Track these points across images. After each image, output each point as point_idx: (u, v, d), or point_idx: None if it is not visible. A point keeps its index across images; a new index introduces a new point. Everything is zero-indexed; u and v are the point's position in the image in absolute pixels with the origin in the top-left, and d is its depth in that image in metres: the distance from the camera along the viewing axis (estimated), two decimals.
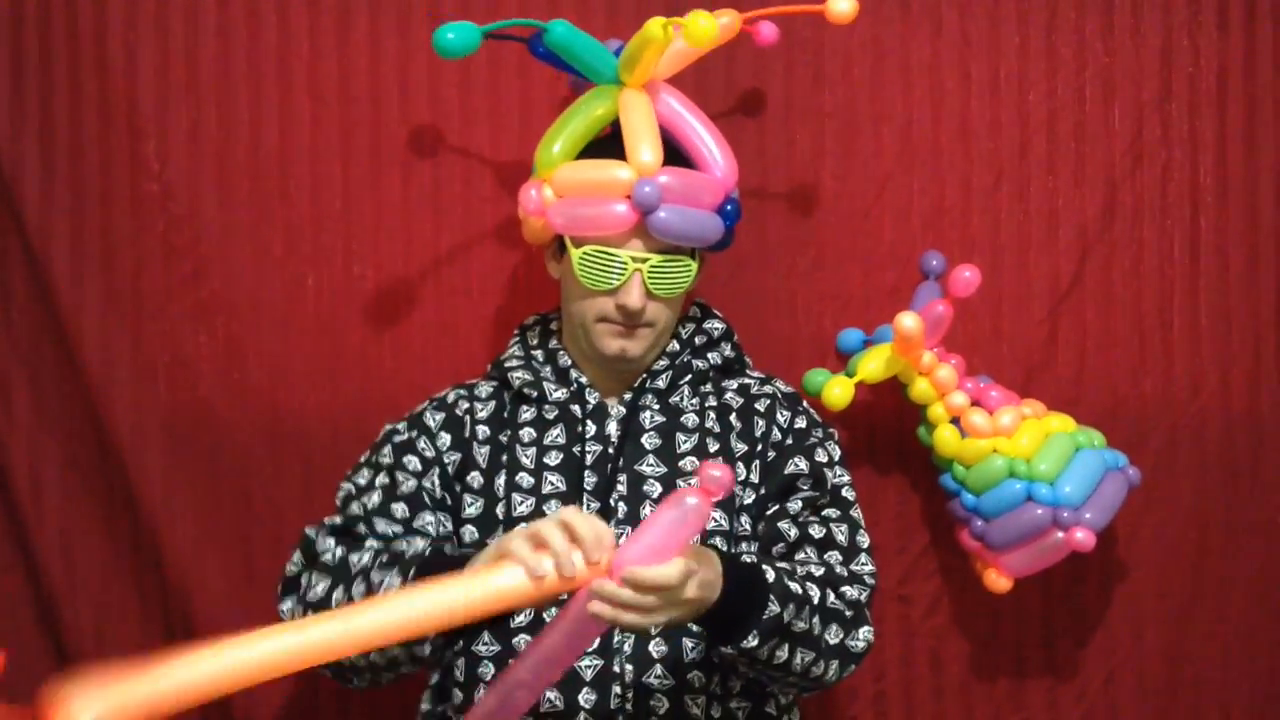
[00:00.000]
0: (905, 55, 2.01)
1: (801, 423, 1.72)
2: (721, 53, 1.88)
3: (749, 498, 1.66)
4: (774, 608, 1.44)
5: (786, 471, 1.66)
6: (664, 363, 1.71)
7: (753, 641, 1.43)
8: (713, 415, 1.70)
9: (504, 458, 1.67)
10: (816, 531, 1.63)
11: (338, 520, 1.65)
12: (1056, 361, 2.02)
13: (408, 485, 1.65)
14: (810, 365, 1.96)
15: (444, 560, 1.45)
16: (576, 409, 1.68)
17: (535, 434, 1.68)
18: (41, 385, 2.01)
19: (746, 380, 1.75)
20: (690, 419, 1.69)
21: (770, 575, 1.46)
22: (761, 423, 1.70)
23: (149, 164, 2.00)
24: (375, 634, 1.26)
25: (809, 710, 1.83)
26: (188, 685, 1.18)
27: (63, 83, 2.00)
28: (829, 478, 1.68)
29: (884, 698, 2.03)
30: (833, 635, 1.53)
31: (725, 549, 1.60)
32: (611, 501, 1.62)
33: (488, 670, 1.59)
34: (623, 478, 1.64)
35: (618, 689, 1.56)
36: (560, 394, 1.70)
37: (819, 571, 1.58)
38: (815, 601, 1.51)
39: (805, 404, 1.77)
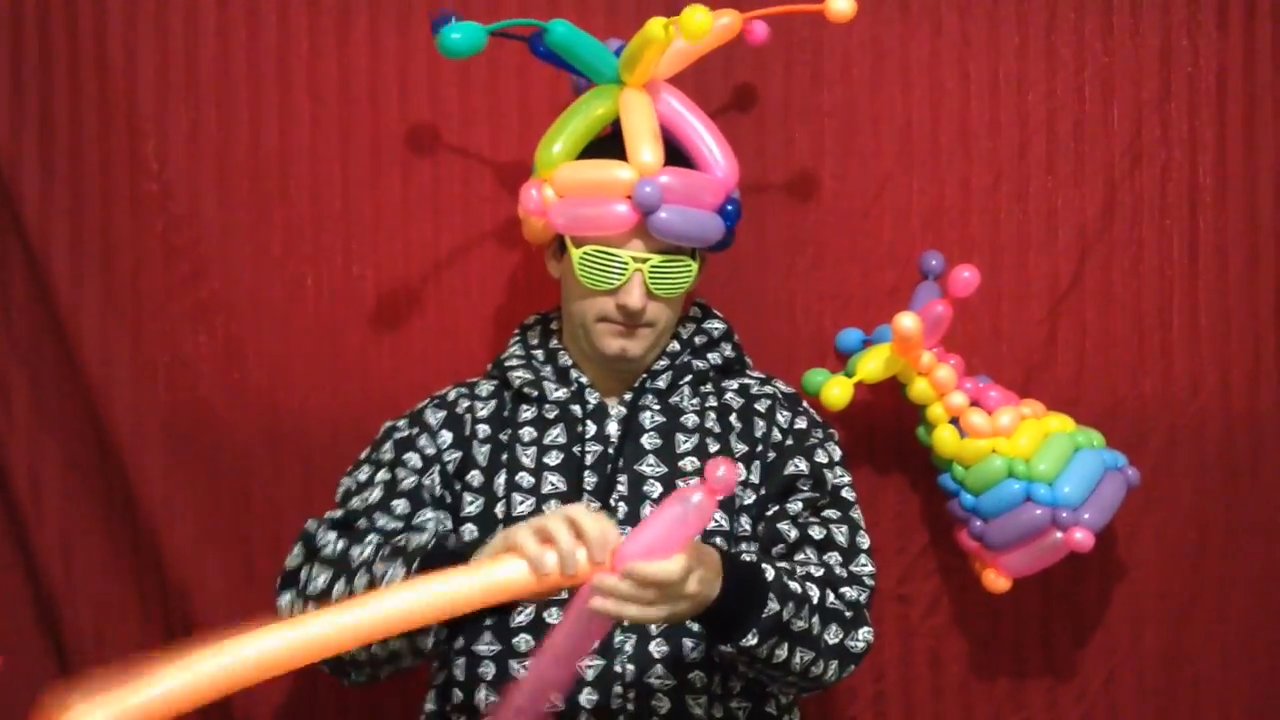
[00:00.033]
0: (905, 55, 2.01)
1: (802, 423, 1.72)
2: (721, 53, 1.88)
3: (749, 498, 1.66)
4: (773, 606, 1.44)
5: (786, 472, 1.66)
6: (664, 363, 1.71)
7: (752, 640, 1.43)
8: (713, 415, 1.70)
9: (504, 457, 1.67)
10: (816, 532, 1.63)
11: (339, 514, 1.64)
12: (1056, 361, 2.02)
13: (408, 482, 1.65)
14: (809, 365, 1.96)
15: (447, 553, 1.45)
16: (577, 409, 1.68)
17: (535, 433, 1.68)
18: (41, 385, 2.01)
19: (747, 380, 1.75)
20: (690, 419, 1.69)
21: (770, 574, 1.47)
22: (762, 423, 1.70)
23: (148, 164, 2.00)
24: (379, 626, 1.26)
25: (809, 710, 1.83)
26: (188, 689, 1.18)
27: (63, 83, 2.00)
28: (829, 478, 1.68)
29: (883, 697, 2.03)
30: (832, 635, 1.53)
31: (725, 548, 1.60)
32: (611, 502, 1.62)
33: (489, 670, 1.59)
34: (623, 478, 1.64)
35: (619, 689, 1.56)
36: (560, 394, 1.70)
37: (818, 572, 1.58)
38: (815, 601, 1.51)
39: (805, 404, 1.77)
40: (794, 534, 1.62)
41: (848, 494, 1.69)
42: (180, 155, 2.00)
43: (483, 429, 1.69)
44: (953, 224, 2.02)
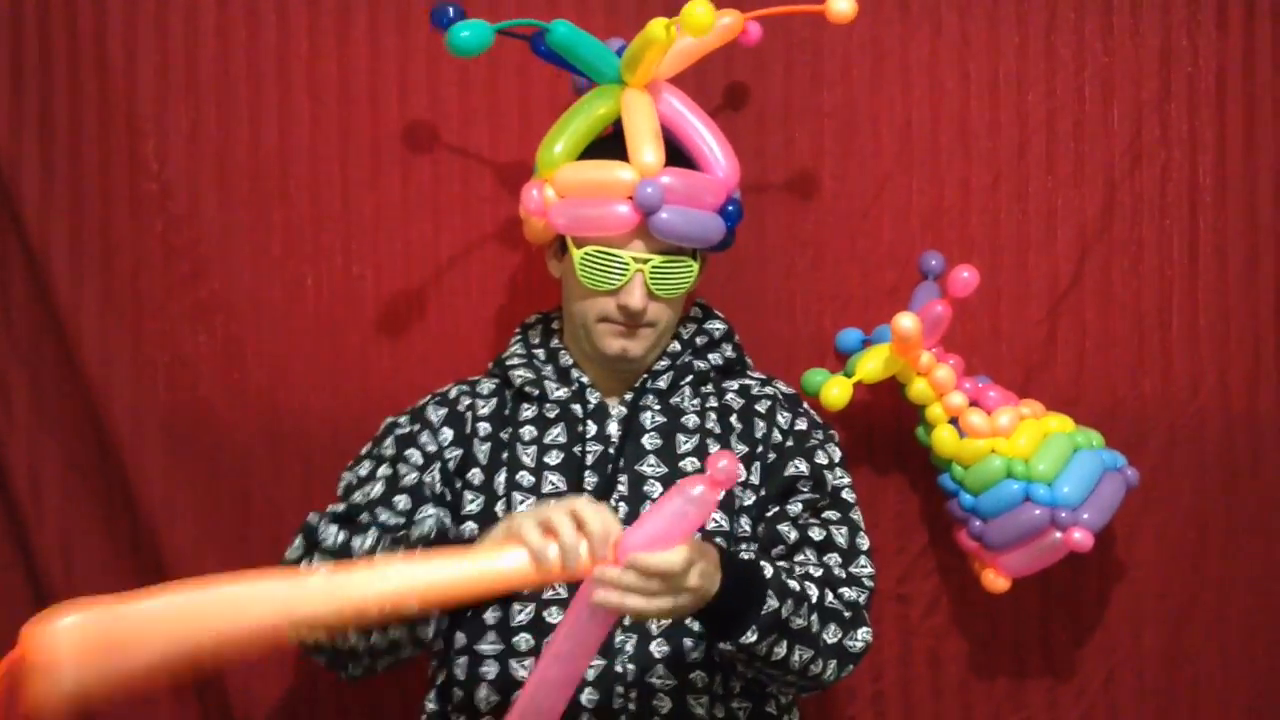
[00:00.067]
0: (904, 55, 2.01)
1: (802, 424, 1.72)
2: (721, 53, 1.88)
3: (749, 499, 1.66)
4: (772, 603, 1.44)
5: (787, 473, 1.66)
6: (665, 363, 1.71)
7: (751, 637, 1.44)
8: (713, 416, 1.70)
9: (505, 455, 1.67)
10: (816, 534, 1.63)
11: (340, 508, 1.64)
12: (1055, 361, 2.02)
13: (410, 478, 1.65)
14: (809, 365, 1.96)
15: (449, 543, 1.45)
16: (577, 408, 1.69)
17: (536, 432, 1.68)
18: (41, 385, 2.01)
19: (747, 381, 1.75)
20: (691, 420, 1.69)
21: (768, 572, 1.47)
22: (762, 424, 1.70)
23: (148, 164, 2.00)
24: (374, 598, 1.26)
25: (808, 710, 1.83)
26: (172, 626, 1.16)
27: (63, 83, 1.99)
28: (829, 480, 1.68)
29: (882, 697, 2.03)
30: (831, 635, 1.53)
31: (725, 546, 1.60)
32: (612, 501, 1.62)
33: (491, 669, 1.59)
34: (623, 478, 1.64)
35: (620, 689, 1.57)
36: (561, 393, 1.70)
37: (818, 572, 1.58)
38: (813, 600, 1.52)
39: (806, 405, 1.77)
40: (794, 535, 1.62)
41: (848, 495, 1.69)
42: (180, 155, 2.00)
43: (484, 427, 1.69)
44: (952, 224, 2.02)
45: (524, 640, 1.58)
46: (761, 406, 1.71)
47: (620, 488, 1.63)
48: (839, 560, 1.62)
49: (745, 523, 1.64)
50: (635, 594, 1.30)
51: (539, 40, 1.77)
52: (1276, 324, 2.02)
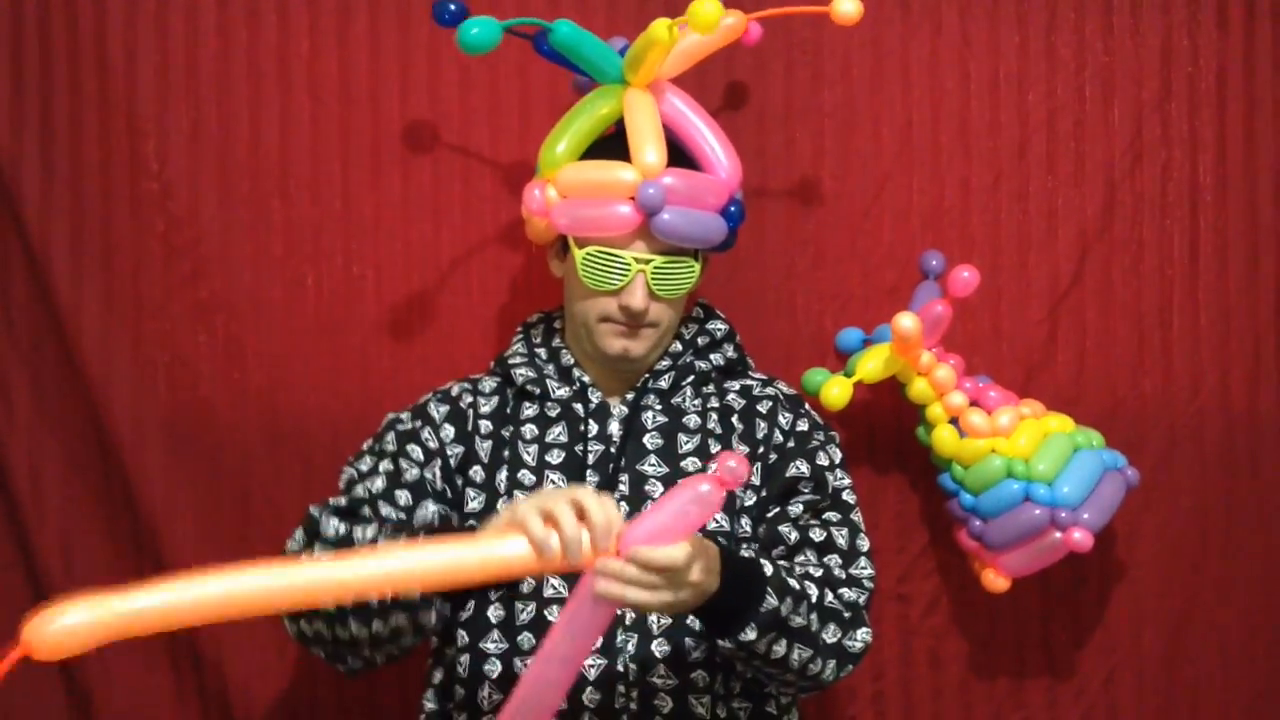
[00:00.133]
0: (905, 55, 2.01)
1: (803, 425, 1.72)
2: (722, 53, 1.88)
3: (750, 500, 1.66)
4: (771, 601, 1.44)
5: (788, 474, 1.66)
6: (666, 363, 1.71)
7: (750, 634, 1.44)
8: (714, 416, 1.70)
9: (506, 453, 1.67)
10: (817, 535, 1.63)
11: (342, 501, 1.64)
12: (1056, 361, 2.02)
13: (411, 473, 1.65)
14: (809, 365, 1.96)
15: (451, 531, 1.45)
16: (579, 407, 1.69)
17: (537, 431, 1.68)
18: (42, 385, 2.01)
19: (749, 382, 1.75)
20: (692, 420, 1.69)
21: (768, 570, 1.47)
22: (763, 425, 1.70)
23: (149, 163, 2.00)
24: (375, 581, 1.26)
25: (808, 710, 1.83)
26: (169, 612, 1.17)
27: (63, 83, 1.99)
28: (830, 481, 1.68)
29: (882, 697, 2.03)
30: (830, 634, 1.54)
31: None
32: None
33: (494, 668, 1.59)
34: (624, 477, 1.64)
35: (622, 688, 1.57)
36: (563, 392, 1.70)
37: (817, 572, 1.58)
38: (813, 599, 1.52)
39: (807, 406, 1.77)
40: (794, 536, 1.62)
41: (848, 497, 1.69)
42: (180, 155, 2.00)
43: (485, 425, 1.69)
44: (953, 224, 2.02)
45: (527, 639, 1.58)
46: (763, 407, 1.71)
47: (621, 487, 1.63)
48: (839, 561, 1.62)
49: (746, 523, 1.64)
50: (636, 587, 1.30)
51: (541, 39, 1.77)
52: (1276, 324, 2.02)
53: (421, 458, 1.67)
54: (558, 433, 1.68)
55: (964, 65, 2.01)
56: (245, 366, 2.01)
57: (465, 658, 1.62)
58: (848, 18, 1.77)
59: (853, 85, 2.01)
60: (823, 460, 1.69)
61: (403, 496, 1.63)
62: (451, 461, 1.67)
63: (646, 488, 1.63)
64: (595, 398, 1.69)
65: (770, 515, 1.65)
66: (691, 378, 1.72)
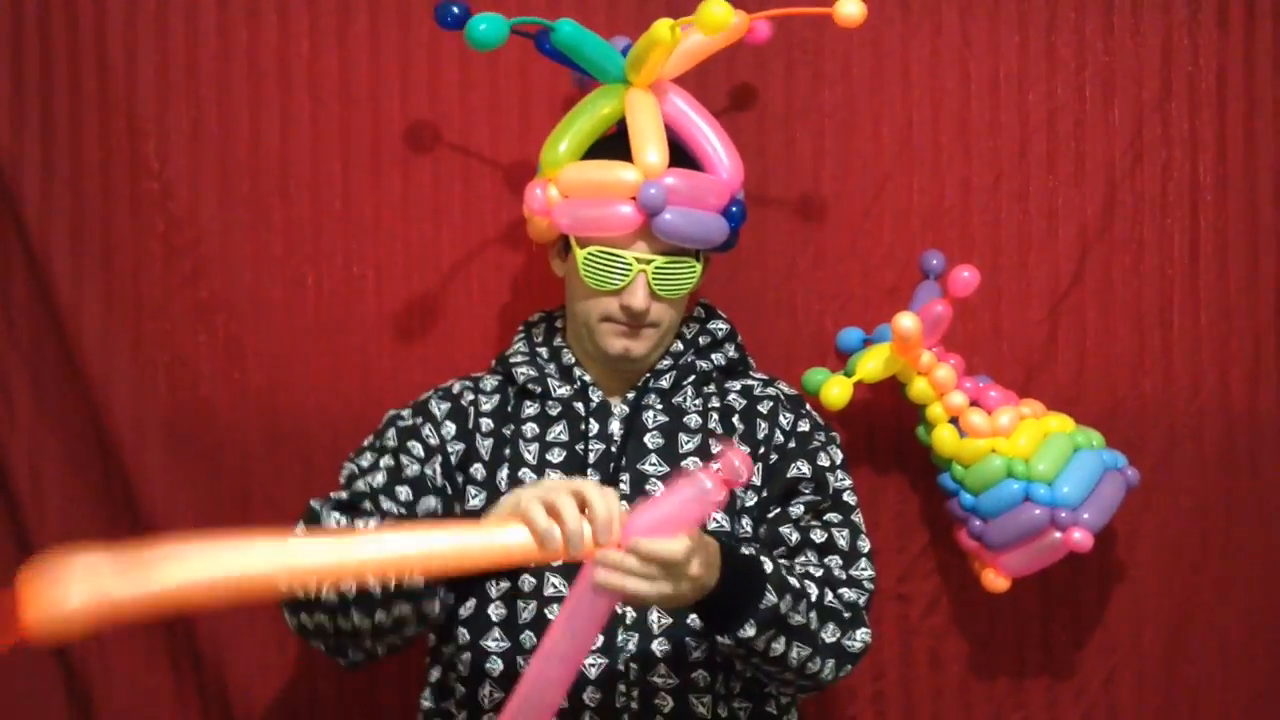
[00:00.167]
0: (905, 55, 2.01)
1: (804, 426, 1.72)
2: (722, 53, 1.88)
3: (750, 500, 1.66)
4: (771, 598, 1.44)
5: (789, 475, 1.66)
6: (667, 363, 1.71)
7: (749, 631, 1.44)
8: (715, 416, 1.70)
9: (507, 451, 1.67)
10: (818, 536, 1.63)
11: (344, 495, 1.63)
12: (1056, 361, 2.02)
13: (412, 469, 1.65)
14: (810, 365, 1.96)
15: (454, 519, 1.45)
16: (580, 406, 1.69)
17: (538, 430, 1.68)
18: (42, 385, 2.01)
19: (750, 382, 1.75)
20: (693, 419, 1.69)
21: (768, 567, 1.47)
22: (764, 425, 1.70)
23: (149, 163, 2.00)
24: (376, 561, 1.26)
25: (808, 710, 1.83)
26: (177, 581, 1.16)
27: (63, 83, 1.99)
28: (831, 482, 1.68)
29: (882, 697, 2.03)
30: (829, 634, 1.54)
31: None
32: None
33: (496, 665, 1.59)
34: (625, 477, 1.64)
35: (623, 687, 1.57)
36: (564, 391, 1.70)
37: (818, 572, 1.58)
38: (813, 598, 1.52)
39: (808, 407, 1.77)
40: (795, 537, 1.62)
41: (849, 498, 1.69)
42: (180, 155, 2.00)
43: (486, 423, 1.69)
44: (953, 223, 2.02)
45: (529, 637, 1.58)
46: (764, 407, 1.71)
47: (622, 486, 1.63)
48: (840, 563, 1.62)
49: (746, 524, 1.64)
50: (635, 578, 1.31)
51: (544, 38, 1.77)
52: (1276, 324, 2.02)
53: (422, 454, 1.67)
54: (558, 431, 1.68)
55: (964, 65, 2.01)
56: (245, 366, 2.01)
57: (466, 656, 1.62)
58: (851, 20, 1.77)
59: (853, 85, 2.02)
60: (824, 461, 1.69)
61: (403, 492, 1.63)
62: (452, 458, 1.67)
63: (647, 487, 1.63)
64: (596, 397, 1.69)
65: (771, 516, 1.65)
66: (693, 377, 1.72)
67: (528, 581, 1.60)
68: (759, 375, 1.78)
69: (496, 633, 1.60)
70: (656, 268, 1.63)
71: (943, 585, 2.03)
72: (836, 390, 1.82)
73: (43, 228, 1.98)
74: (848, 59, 2.01)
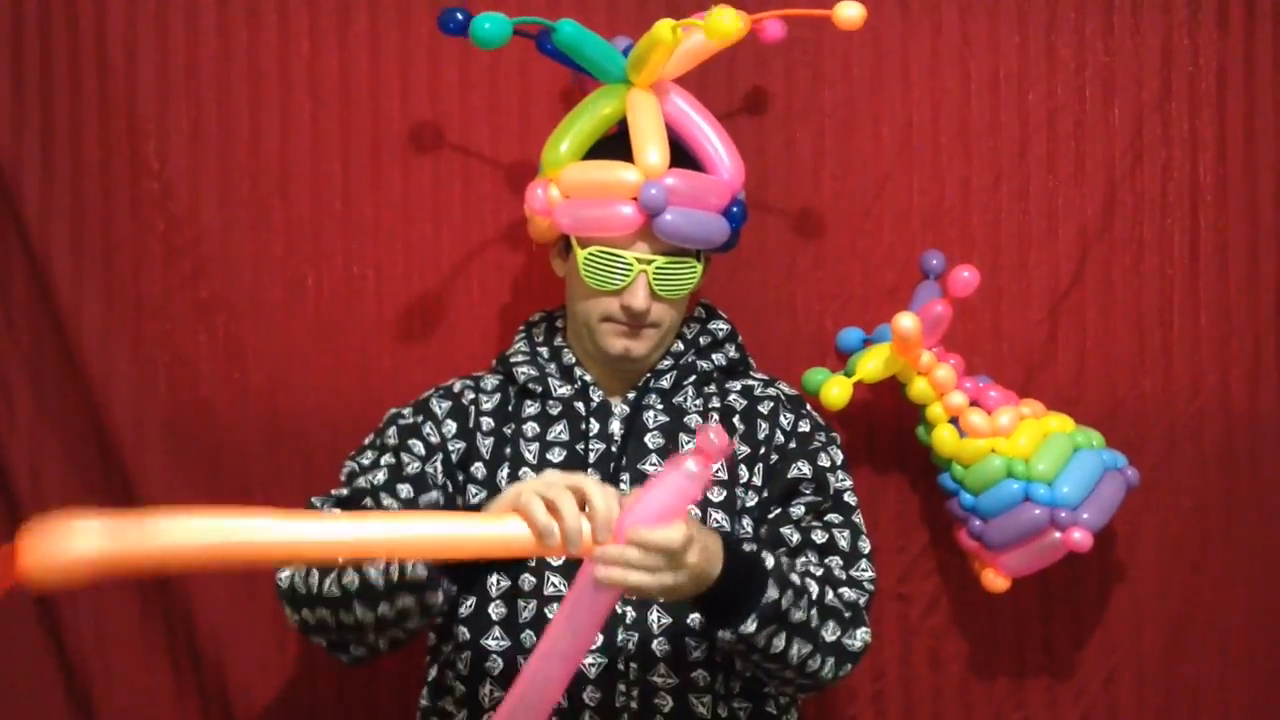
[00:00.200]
0: (905, 55, 2.01)
1: (805, 426, 1.72)
2: (723, 53, 1.87)
3: (751, 500, 1.66)
4: (772, 593, 1.44)
5: (789, 475, 1.66)
6: (668, 363, 1.71)
7: (751, 626, 1.44)
8: (716, 416, 1.70)
9: (507, 450, 1.67)
10: (819, 536, 1.63)
11: (344, 492, 1.63)
12: (1056, 361, 2.02)
13: (413, 467, 1.65)
14: (810, 364, 1.96)
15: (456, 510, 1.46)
16: (580, 406, 1.69)
17: (539, 429, 1.68)
18: (42, 385, 2.01)
19: (750, 382, 1.75)
20: (694, 419, 1.69)
21: (770, 563, 1.47)
22: (765, 425, 1.70)
23: (149, 163, 2.00)
24: (371, 544, 1.27)
25: (808, 709, 1.83)
26: (180, 546, 1.18)
27: (63, 83, 1.99)
28: (832, 482, 1.68)
29: (882, 697, 2.03)
30: (830, 632, 1.54)
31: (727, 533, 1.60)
32: None
33: (496, 664, 1.59)
34: (626, 476, 1.64)
35: (623, 687, 1.57)
36: (564, 390, 1.70)
37: (818, 571, 1.58)
38: (813, 595, 1.52)
39: (809, 407, 1.77)
40: (796, 538, 1.62)
41: (850, 498, 1.69)
42: (180, 155, 2.00)
43: (486, 421, 1.70)
44: (953, 223, 2.02)
45: (529, 636, 1.58)
46: (764, 408, 1.71)
47: (623, 486, 1.63)
48: (840, 563, 1.62)
49: (747, 524, 1.64)
50: (637, 570, 1.31)
51: (545, 38, 1.77)
52: (1276, 324, 2.03)
53: (423, 452, 1.67)
54: (559, 431, 1.68)
55: (964, 65, 2.01)
56: (245, 366, 2.01)
57: (466, 654, 1.62)
58: (851, 22, 1.77)
59: (853, 85, 2.02)
60: (824, 461, 1.69)
61: (404, 489, 1.63)
62: (453, 457, 1.67)
63: None
64: (597, 397, 1.69)
65: (772, 516, 1.65)
66: (693, 378, 1.72)
67: (528, 580, 1.60)
68: (759, 375, 1.78)
69: (497, 631, 1.60)
70: (657, 268, 1.63)
71: (943, 585, 2.03)
72: (836, 390, 1.83)
73: (43, 228, 1.98)
74: (848, 59, 2.01)
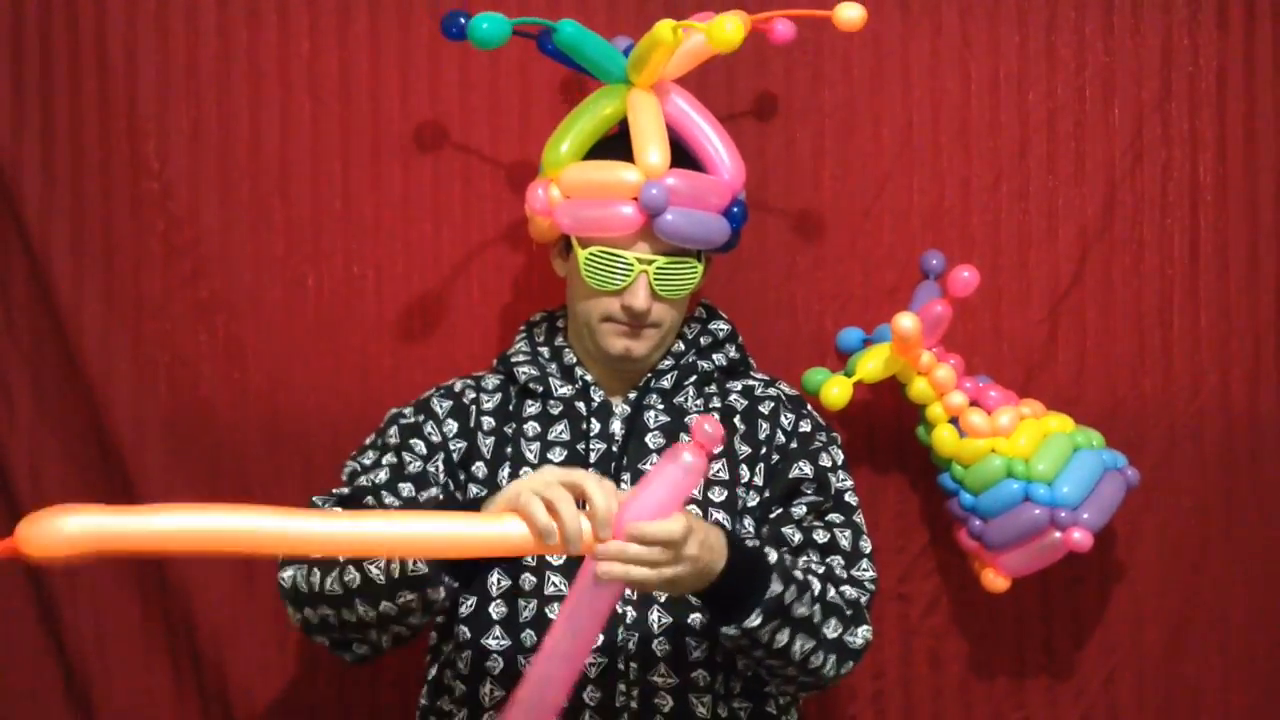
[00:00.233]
0: (905, 55, 2.02)
1: (806, 426, 1.72)
2: (723, 54, 1.88)
3: (753, 500, 1.66)
4: (776, 587, 1.45)
5: (791, 475, 1.67)
6: (669, 363, 1.72)
7: (755, 620, 1.44)
8: (716, 416, 1.70)
9: (508, 450, 1.67)
10: (820, 536, 1.63)
11: (345, 491, 1.64)
12: (1056, 361, 2.02)
13: (414, 466, 1.65)
14: (810, 364, 1.96)
15: (458, 505, 1.45)
16: (581, 406, 1.69)
17: (539, 429, 1.68)
18: (42, 385, 2.01)
19: (751, 382, 1.76)
20: (694, 420, 1.69)
21: (773, 557, 1.47)
22: (765, 425, 1.70)
23: (149, 164, 2.00)
24: (372, 543, 1.27)
25: (808, 709, 1.83)
26: (169, 534, 1.20)
27: (63, 83, 1.99)
28: (833, 482, 1.68)
29: (883, 696, 2.03)
30: (831, 629, 1.54)
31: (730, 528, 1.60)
32: None
33: (496, 664, 1.60)
34: (627, 476, 1.64)
35: (623, 687, 1.57)
36: (565, 390, 1.70)
37: (820, 569, 1.59)
38: (816, 592, 1.52)
39: (809, 407, 1.77)
40: (798, 537, 1.62)
41: (851, 499, 1.69)
42: (180, 155, 2.00)
43: (487, 421, 1.70)
44: (953, 223, 2.02)
45: (530, 636, 1.58)
46: (765, 408, 1.72)
47: (624, 485, 1.63)
48: (842, 562, 1.62)
49: (749, 524, 1.64)
50: (638, 564, 1.31)
51: (545, 38, 1.77)
52: (1276, 324, 2.03)
53: (424, 451, 1.67)
54: (560, 431, 1.68)
55: (964, 65, 2.01)
56: (245, 366, 2.01)
57: (467, 654, 1.62)
58: (851, 24, 1.77)
59: (853, 86, 2.02)
60: (825, 461, 1.69)
61: (405, 488, 1.63)
62: (454, 456, 1.67)
63: None
64: (598, 396, 1.69)
65: (773, 516, 1.65)
66: (694, 378, 1.72)
67: (529, 580, 1.60)
68: (760, 375, 1.78)
69: (497, 631, 1.60)
70: (658, 268, 1.63)
71: (943, 585, 2.03)
72: (836, 390, 1.83)
73: (43, 228, 1.98)
74: (848, 59, 2.01)
